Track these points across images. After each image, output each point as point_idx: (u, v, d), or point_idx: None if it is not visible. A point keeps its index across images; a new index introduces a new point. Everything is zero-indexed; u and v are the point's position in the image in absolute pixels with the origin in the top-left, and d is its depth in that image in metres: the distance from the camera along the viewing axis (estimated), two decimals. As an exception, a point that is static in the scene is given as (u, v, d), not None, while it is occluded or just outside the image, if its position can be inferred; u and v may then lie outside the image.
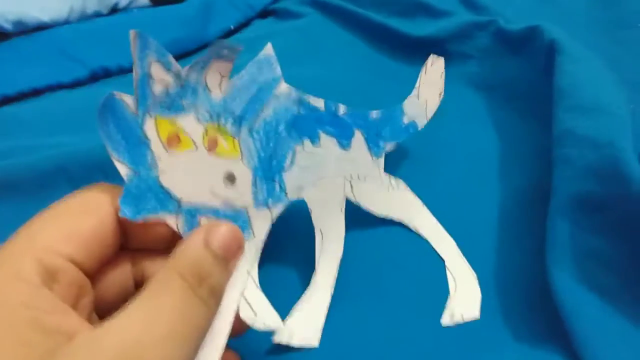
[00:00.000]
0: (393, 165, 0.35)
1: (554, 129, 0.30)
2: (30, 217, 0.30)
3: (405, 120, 0.32)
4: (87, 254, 0.19)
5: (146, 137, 0.21)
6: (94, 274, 0.20)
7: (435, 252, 0.29)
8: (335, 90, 0.43)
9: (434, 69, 0.34)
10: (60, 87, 0.40)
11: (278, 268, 0.28)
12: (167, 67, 0.21)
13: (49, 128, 0.36)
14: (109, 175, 0.26)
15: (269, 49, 0.25)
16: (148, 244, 0.23)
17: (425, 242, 0.30)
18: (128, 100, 0.20)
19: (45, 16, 0.42)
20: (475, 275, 0.28)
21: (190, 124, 0.22)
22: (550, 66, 0.35)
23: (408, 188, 0.31)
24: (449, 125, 0.38)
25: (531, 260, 0.28)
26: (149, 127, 0.21)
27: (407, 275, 0.28)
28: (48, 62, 0.41)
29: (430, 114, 0.33)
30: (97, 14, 0.46)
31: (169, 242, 0.22)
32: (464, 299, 0.27)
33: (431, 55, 0.33)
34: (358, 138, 0.29)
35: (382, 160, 0.31)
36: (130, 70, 0.43)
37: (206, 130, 0.23)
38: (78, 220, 0.20)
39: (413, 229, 0.30)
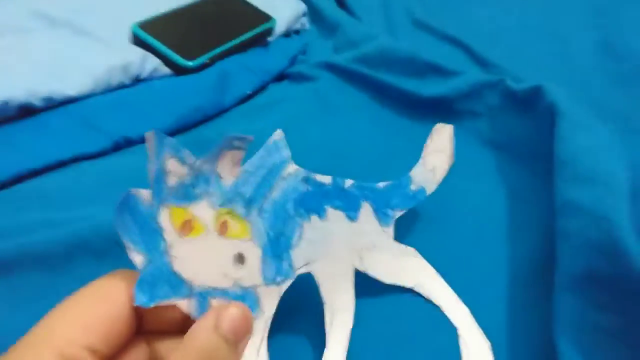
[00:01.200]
0: (402, 226, 0.35)
1: (555, 198, 0.30)
2: (57, 292, 0.31)
3: (414, 187, 0.32)
4: (105, 342, 0.20)
5: (160, 227, 0.22)
6: (112, 358, 0.21)
7: (448, 319, 0.29)
8: (350, 151, 0.44)
9: (442, 136, 0.34)
10: (84, 158, 0.42)
11: (288, 341, 0.28)
12: (182, 161, 0.23)
13: (73, 200, 0.38)
14: None
15: (278, 135, 0.27)
16: (163, 326, 0.23)
17: (438, 310, 0.30)
18: (144, 194, 0.22)
19: (72, 91, 0.45)
20: (489, 344, 0.28)
21: (202, 211, 0.24)
22: (554, 129, 0.35)
23: (419, 255, 0.31)
24: (458, 184, 0.39)
25: (542, 328, 0.28)
26: (164, 217, 0.22)
27: (419, 345, 0.28)
28: (73, 134, 0.43)
29: (439, 180, 0.33)
30: (121, 85, 0.48)
31: (183, 324, 0.23)
32: None
33: (438, 123, 0.34)
34: (366, 209, 0.30)
35: (391, 229, 0.31)
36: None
37: (217, 215, 0.24)
38: (95, 310, 0.21)
39: (425, 296, 0.30)
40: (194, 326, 0.21)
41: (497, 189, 0.37)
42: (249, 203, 0.25)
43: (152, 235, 0.22)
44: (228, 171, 0.25)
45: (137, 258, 0.22)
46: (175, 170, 0.23)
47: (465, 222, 0.35)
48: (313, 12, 0.68)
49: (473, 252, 0.33)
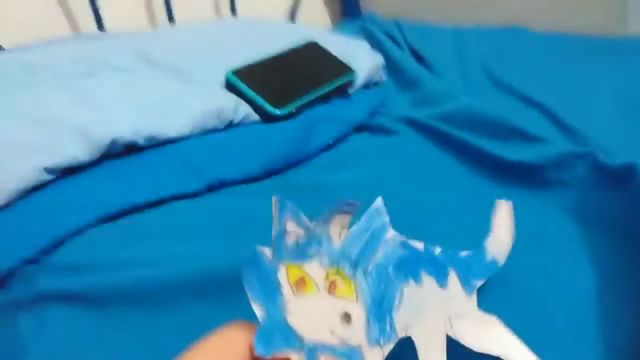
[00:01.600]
0: (492, 294, 0.35)
1: None
2: (158, 328, 0.32)
3: (489, 258, 0.34)
4: None
5: (279, 283, 0.24)
6: None
7: None
8: (429, 208, 0.45)
9: (502, 212, 0.35)
10: (181, 197, 0.44)
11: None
12: (299, 223, 0.25)
13: (171, 237, 0.40)
14: (230, 291, 0.29)
15: (379, 202, 0.29)
16: None
17: None
18: (267, 252, 0.24)
19: (172, 132, 0.48)
20: None
21: (314, 270, 0.26)
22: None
23: (502, 323, 0.32)
24: (547, 257, 0.39)
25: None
26: (282, 274, 0.24)
27: None
28: (173, 173, 0.45)
29: (507, 252, 0.34)
30: (215, 129, 0.51)
31: None
32: None
33: (498, 200, 0.35)
34: (452, 276, 0.31)
35: (474, 297, 0.32)
36: (241, 181, 0.47)
37: (327, 274, 0.26)
38: (224, 356, 0.22)
39: None
40: None
41: (586, 263, 0.37)
42: (355, 264, 0.27)
43: (271, 290, 0.24)
44: (337, 233, 0.27)
45: (258, 310, 0.23)
46: (293, 230, 0.25)
47: (555, 297, 0.35)
48: (391, 66, 0.70)
49: (564, 327, 0.33)
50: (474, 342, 0.30)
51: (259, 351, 0.23)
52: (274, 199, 0.24)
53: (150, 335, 0.33)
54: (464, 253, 0.33)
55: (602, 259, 0.37)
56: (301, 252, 0.25)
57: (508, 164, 0.46)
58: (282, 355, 0.23)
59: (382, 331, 0.27)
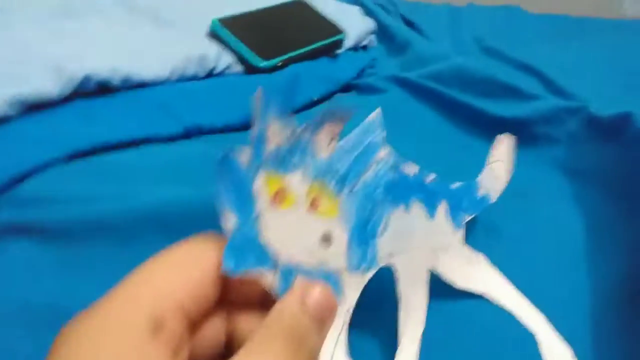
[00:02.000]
0: (478, 242, 0.34)
1: None
2: (121, 263, 0.30)
3: (480, 193, 0.32)
4: (194, 304, 0.20)
5: (255, 192, 0.21)
6: (193, 327, 0.20)
7: (524, 326, 0.28)
8: (417, 164, 0.44)
9: (504, 146, 0.34)
10: (156, 140, 0.42)
11: (360, 336, 0.27)
12: (285, 126, 0.22)
13: (144, 177, 0.38)
14: (200, 225, 0.27)
15: (377, 113, 0.26)
16: (243, 299, 0.23)
17: (511, 317, 0.28)
18: (244, 155, 0.21)
19: (149, 75, 0.45)
20: (571, 351, 0.26)
21: (296, 182, 0.23)
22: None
23: (489, 261, 0.30)
24: (536, 206, 0.37)
25: (627, 357, 0.26)
26: (259, 183, 0.22)
27: (494, 352, 0.27)
28: (147, 115, 0.43)
29: (501, 189, 0.33)
30: (195, 76, 0.49)
31: (263, 299, 0.22)
32: None
33: (502, 134, 0.34)
34: (442, 208, 0.29)
35: (462, 232, 0.30)
36: (220, 129, 0.45)
37: (310, 189, 0.23)
38: (187, 270, 0.20)
39: (497, 303, 0.29)
40: (279, 303, 0.20)
41: (576, 214, 0.36)
42: (341, 181, 0.24)
43: (246, 200, 0.21)
44: (325, 144, 0.24)
45: (230, 220, 0.21)
46: (276, 135, 0.22)
47: (542, 242, 0.34)
48: (382, 31, 0.68)
49: (552, 275, 0.31)
50: (457, 279, 0.29)
51: (228, 267, 0.20)
52: (257, 92, 0.21)
53: (112, 269, 0.30)
54: (455, 185, 0.31)
55: (591, 210, 0.36)
56: (283, 161, 0.22)
57: (498, 120, 0.45)
58: (253, 274, 0.21)
59: (363, 257, 0.25)
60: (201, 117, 0.45)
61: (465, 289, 0.29)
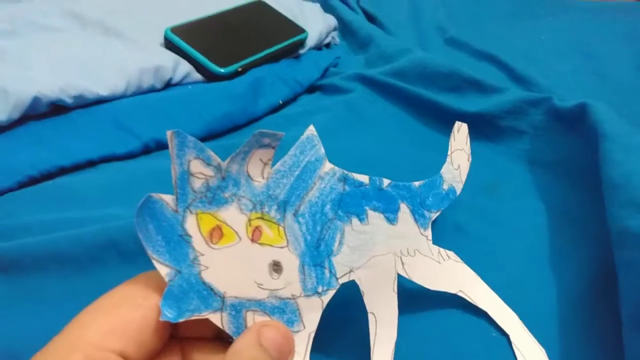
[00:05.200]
0: (447, 242, 0.34)
1: (610, 225, 0.29)
2: (76, 291, 0.29)
3: (445, 187, 0.32)
4: (137, 348, 0.19)
5: (187, 235, 0.20)
6: None
7: (497, 325, 0.28)
8: (384, 163, 0.43)
9: (461, 134, 0.34)
10: (114, 158, 0.41)
11: (330, 356, 0.27)
12: (207, 162, 0.21)
13: (101, 199, 0.36)
14: None
15: (311, 130, 0.25)
16: (198, 332, 0.22)
17: (484, 317, 0.28)
18: (167, 199, 0.20)
19: (104, 91, 0.44)
20: (543, 350, 0.26)
21: (232, 216, 0.21)
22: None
23: (459, 259, 0.30)
24: (503, 202, 0.37)
25: (595, 353, 0.26)
26: (190, 224, 0.20)
27: (466, 354, 0.27)
28: (103, 134, 0.42)
29: (463, 178, 0.33)
30: (152, 89, 0.48)
31: (217, 332, 0.21)
32: None
33: (456, 122, 0.34)
34: (404, 211, 0.29)
35: (429, 232, 0.30)
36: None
37: (249, 220, 0.22)
38: (126, 314, 0.19)
39: (470, 301, 0.29)
40: (236, 343, 0.20)
41: (542, 207, 0.36)
42: (283, 206, 0.23)
43: (178, 244, 0.20)
44: (259, 172, 0.22)
45: (163, 270, 0.19)
46: (200, 172, 0.21)
47: (510, 238, 0.33)
48: (344, 28, 0.67)
49: (521, 272, 0.31)
50: (428, 280, 0.28)
51: (167, 317, 0.19)
52: (168, 133, 0.19)
53: (70, 301, 0.29)
54: (417, 183, 0.30)
55: (557, 203, 0.36)
56: (214, 197, 0.21)
57: (463, 115, 0.44)
58: (198, 318, 0.20)
59: (320, 279, 0.24)
60: (160, 132, 0.43)
61: (438, 289, 0.29)
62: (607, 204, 0.30)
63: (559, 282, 0.30)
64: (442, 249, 0.30)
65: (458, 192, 0.32)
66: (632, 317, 0.23)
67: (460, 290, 0.29)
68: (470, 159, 0.34)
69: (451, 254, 0.30)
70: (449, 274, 0.30)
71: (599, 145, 0.33)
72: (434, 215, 0.30)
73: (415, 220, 0.29)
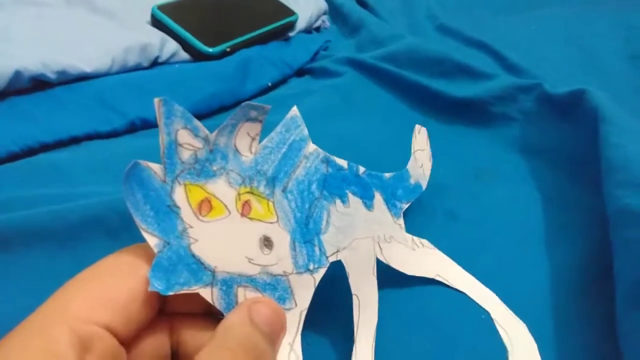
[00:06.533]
0: (438, 227, 0.33)
1: (607, 205, 0.29)
2: (61, 269, 0.28)
3: (412, 181, 0.33)
4: (123, 321, 0.18)
5: (176, 206, 0.20)
6: (130, 341, 0.19)
7: (476, 304, 0.28)
8: (372, 149, 0.43)
9: (421, 136, 0.35)
10: (98, 136, 0.40)
11: (318, 336, 0.26)
12: (195, 133, 0.20)
13: (85, 177, 0.36)
14: None
15: (294, 111, 0.25)
16: (187, 307, 0.21)
17: (462, 298, 0.28)
18: (155, 168, 0.19)
19: (88, 67, 0.43)
20: (524, 325, 0.27)
21: (221, 189, 0.21)
22: (597, 133, 0.34)
23: (433, 246, 0.30)
24: (493, 189, 0.37)
25: (592, 337, 0.26)
26: (179, 195, 0.20)
27: (448, 333, 0.27)
28: (87, 111, 0.41)
29: (427, 175, 0.34)
30: (138, 67, 0.47)
31: (207, 307, 0.21)
32: (523, 352, 0.26)
33: (416, 125, 0.35)
34: (378, 199, 0.29)
35: (402, 221, 0.30)
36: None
37: (239, 194, 0.22)
38: (114, 285, 0.18)
39: (449, 284, 0.29)
40: (227, 319, 0.19)
41: (533, 193, 0.36)
42: (271, 182, 0.23)
43: (167, 215, 0.19)
44: (246, 146, 0.22)
45: (152, 240, 0.19)
46: (188, 142, 0.20)
47: (501, 224, 0.33)
48: (335, 12, 0.67)
49: (513, 258, 0.31)
50: (406, 265, 0.29)
51: (157, 288, 0.18)
52: (155, 100, 0.19)
53: (52, 277, 0.28)
54: (387, 175, 0.31)
55: (549, 190, 0.36)
56: (202, 169, 0.20)
57: (453, 100, 0.44)
58: (188, 292, 0.20)
59: (311, 256, 0.24)
60: (146, 110, 0.42)
61: (416, 274, 0.29)
62: (605, 185, 0.30)
63: (551, 268, 0.30)
64: (415, 237, 0.31)
65: (424, 187, 0.33)
66: (629, 296, 0.23)
67: (438, 275, 0.29)
68: (431, 160, 0.35)
69: (425, 242, 0.31)
70: (425, 260, 0.30)
71: (598, 128, 0.33)
72: (405, 206, 0.31)
73: (389, 209, 0.30)
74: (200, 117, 0.46)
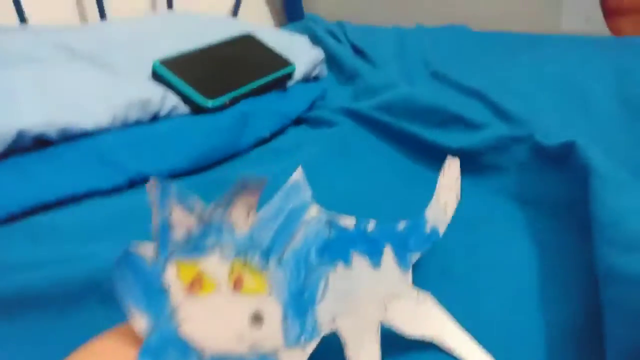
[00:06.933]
0: (431, 286, 0.33)
1: (596, 264, 0.29)
2: (57, 334, 0.28)
3: (428, 228, 0.31)
4: None
5: (167, 286, 0.20)
6: None
7: None
8: (368, 198, 0.43)
9: (451, 171, 0.34)
10: (98, 193, 0.40)
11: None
12: (190, 211, 0.20)
13: (84, 236, 0.36)
14: None
15: (297, 175, 0.25)
16: None
17: None
18: (147, 250, 0.19)
19: (89, 124, 0.44)
20: None
21: (214, 265, 0.21)
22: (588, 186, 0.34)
23: (436, 302, 0.30)
24: (488, 240, 0.37)
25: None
26: (170, 274, 0.20)
27: None
28: (88, 168, 0.41)
29: (448, 219, 0.33)
30: (139, 121, 0.48)
31: None
32: None
33: (448, 156, 0.34)
34: (387, 253, 0.28)
35: (410, 274, 0.29)
36: (167, 177, 0.44)
37: (231, 269, 0.21)
38: None
39: (446, 348, 0.28)
40: None
41: (528, 245, 0.36)
42: (266, 254, 0.22)
43: (157, 296, 0.19)
44: (242, 219, 0.22)
45: (140, 323, 0.19)
46: (182, 221, 0.20)
47: (496, 282, 0.33)
48: (331, 60, 0.68)
49: (506, 315, 0.31)
50: (407, 326, 0.28)
51: None
52: (149, 182, 0.19)
53: (49, 343, 0.29)
54: (401, 225, 0.30)
55: (543, 241, 0.36)
56: (196, 246, 0.20)
57: (447, 151, 0.44)
58: None
59: (302, 329, 0.23)
60: (146, 165, 0.43)
61: (415, 337, 0.28)
62: (595, 242, 0.30)
63: (546, 326, 0.30)
64: (420, 291, 0.30)
65: (441, 231, 0.32)
66: (617, 355, 0.23)
67: (436, 336, 0.29)
68: (459, 197, 0.34)
69: (428, 295, 0.30)
70: (426, 318, 0.29)
71: (589, 183, 0.34)
72: (415, 257, 0.30)
73: (398, 262, 0.29)
74: (199, 169, 0.47)
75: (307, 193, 0.25)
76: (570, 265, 0.33)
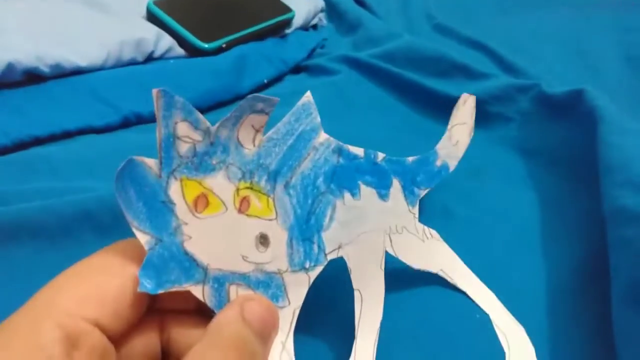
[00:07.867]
0: (434, 224, 0.33)
1: (604, 205, 0.28)
2: (48, 264, 0.28)
3: (438, 163, 0.31)
4: (112, 317, 0.18)
5: (170, 201, 0.19)
6: (119, 338, 0.19)
7: (477, 305, 0.28)
8: (368, 147, 0.42)
9: (466, 107, 0.33)
10: (91, 130, 0.39)
11: (314, 334, 0.26)
12: (195, 125, 0.19)
13: (76, 171, 0.35)
14: None
15: (308, 97, 0.24)
16: (178, 305, 0.21)
17: (464, 298, 0.28)
18: (151, 163, 0.19)
19: (82, 61, 0.42)
20: (523, 329, 0.26)
21: (220, 184, 0.20)
22: (594, 133, 0.33)
23: (442, 240, 0.30)
24: (490, 188, 0.37)
25: (586, 339, 0.26)
26: (174, 190, 0.19)
27: (449, 334, 0.26)
28: (81, 105, 0.40)
29: (460, 155, 0.33)
30: (133, 61, 0.46)
31: (198, 305, 0.20)
32: (521, 357, 0.26)
33: (463, 94, 0.33)
34: (396, 187, 0.28)
35: (417, 209, 0.29)
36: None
37: (237, 190, 0.21)
38: (103, 281, 0.18)
39: (450, 281, 0.29)
40: (218, 317, 0.19)
41: (530, 194, 0.36)
42: (273, 176, 0.22)
43: (160, 211, 0.19)
44: (250, 139, 0.21)
45: (143, 237, 0.18)
46: (188, 135, 0.19)
47: (497, 224, 0.33)
48: (332, 10, 0.66)
49: (508, 257, 0.31)
50: (413, 259, 0.28)
51: (145, 287, 0.18)
52: (154, 91, 0.18)
53: (41, 272, 0.28)
54: (410, 159, 0.29)
55: (545, 190, 0.36)
56: (201, 163, 0.20)
57: (450, 100, 0.44)
58: (178, 290, 0.19)
59: (308, 254, 0.23)
60: (140, 105, 0.42)
61: (420, 269, 0.28)
62: (603, 185, 0.30)
63: (546, 268, 0.30)
64: (426, 227, 0.30)
65: (452, 168, 0.32)
66: (625, 295, 0.23)
67: (441, 270, 0.29)
68: (472, 134, 0.33)
69: (434, 232, 0.30)
70: (432, 252, 0.29)
71: (597, 129, 0.33)
72: (423, 193, 0.30)
73: (405, 197, 0.29)
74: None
75: (317, 117, 0.24)
76: (570, 211, 0.33)
